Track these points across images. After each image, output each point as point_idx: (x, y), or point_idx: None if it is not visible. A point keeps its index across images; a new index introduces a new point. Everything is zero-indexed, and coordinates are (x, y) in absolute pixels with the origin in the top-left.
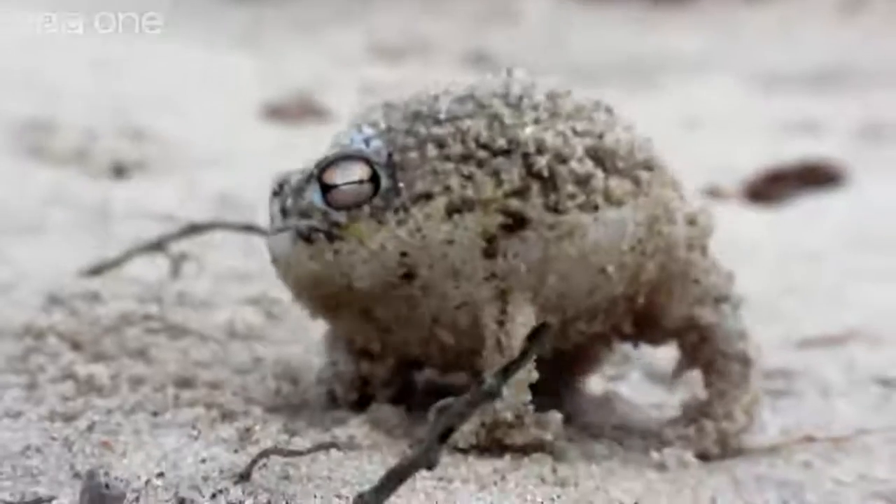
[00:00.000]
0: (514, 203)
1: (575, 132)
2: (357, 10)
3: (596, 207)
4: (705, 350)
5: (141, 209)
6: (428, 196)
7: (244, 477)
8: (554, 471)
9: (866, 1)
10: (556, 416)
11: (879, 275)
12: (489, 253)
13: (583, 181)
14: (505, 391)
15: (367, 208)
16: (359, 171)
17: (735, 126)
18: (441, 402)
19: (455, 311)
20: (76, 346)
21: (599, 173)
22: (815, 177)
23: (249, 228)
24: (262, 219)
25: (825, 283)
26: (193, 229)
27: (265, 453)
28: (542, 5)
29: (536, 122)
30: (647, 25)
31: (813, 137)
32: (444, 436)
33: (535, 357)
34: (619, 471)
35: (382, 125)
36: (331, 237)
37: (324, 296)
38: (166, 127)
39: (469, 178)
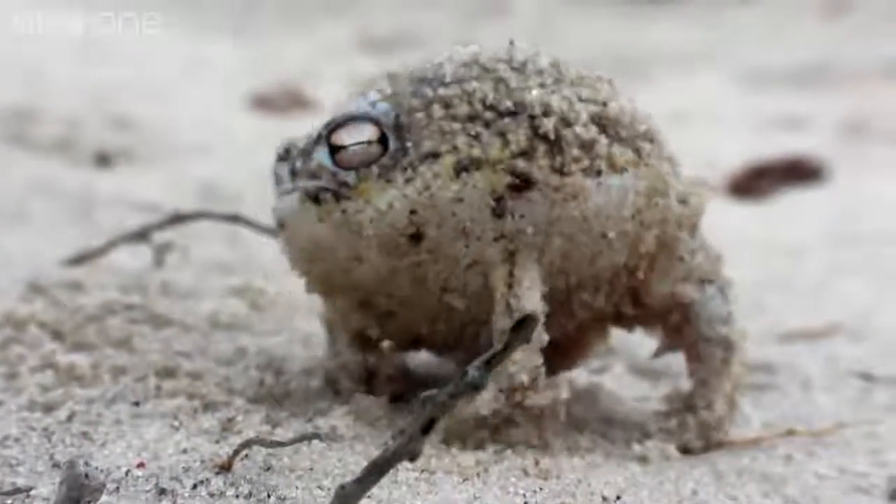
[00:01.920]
0: (521, 164)
1: (580, 98)
2: (347, 2)
3: (599, 172)
4: (688, 332)
5: (125, 198)
6: (435, 155)
7: (226, 468)
8: (536, 463)
9: (850, 0)
10: (565, 377)
11: (860, 269)
12: (497, 213)
13: (587, 146)
14: (520, 355)
15: (375, 168)
16: (367, 132)
17: (720, 121)
18: (424, 393)
19: (465, 273)
20: (57, 335)
21: (603, 139)
22: (798, 172)
23: (234, 218)
24: (248, 209)
25: (807, 278)
26: (178, 219)
27: (247, 444)
28: None
29: (542, 86)
30: (635, 21)
31: (796, 133)
32: (427, 427)
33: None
34: (601, 463)
35: (388, 90)
36: (338, 197)
37: (326, 271)
38: (151, 116)
39: (476, 137)
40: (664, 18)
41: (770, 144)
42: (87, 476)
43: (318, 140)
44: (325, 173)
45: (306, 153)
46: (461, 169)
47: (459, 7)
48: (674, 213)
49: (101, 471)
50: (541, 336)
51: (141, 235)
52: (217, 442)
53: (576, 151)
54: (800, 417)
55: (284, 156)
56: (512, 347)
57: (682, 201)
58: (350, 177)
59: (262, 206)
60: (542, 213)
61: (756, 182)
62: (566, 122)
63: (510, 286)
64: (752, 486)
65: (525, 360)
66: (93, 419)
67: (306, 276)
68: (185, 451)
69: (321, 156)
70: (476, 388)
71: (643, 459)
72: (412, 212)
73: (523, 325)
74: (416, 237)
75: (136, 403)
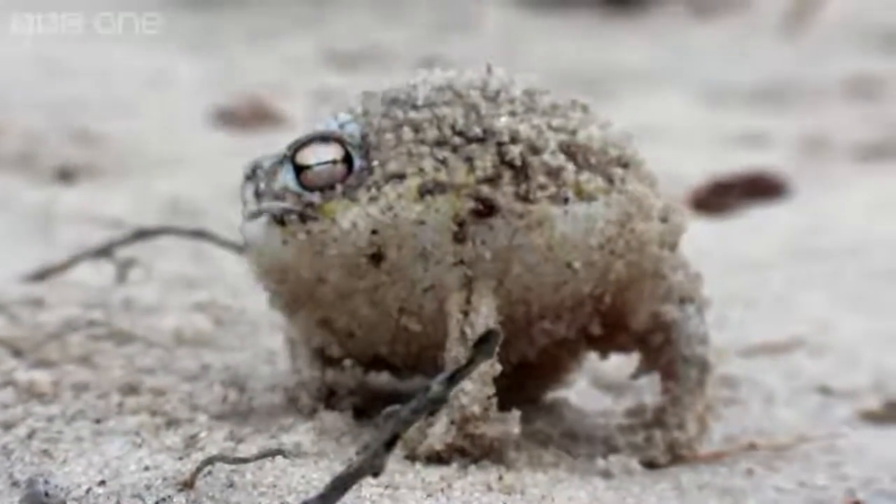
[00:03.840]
0: (485, 189)
1: (550, 127)
2: (312, 17)
3: (566, 200)
4: (667, 352)
5: (88, 214)
6: (401, 176)
7: (188, 485)
8: (500, 478)
9: (811, 18)
10: (515, 414)
11: (821, 284)
12: (458, 238)
13: (554, 173)
14: (471, 385)
15: (340, 187)
16: (332, 152)
17: (682, 138)
18: (387, 409)
19: (422, 296)
20: (17, 352)
21: (571, 167)
22: (760, 188)
23: (199, 234)
24: (213, 224)
25: (769, 293)
26: (142, 235)
27: (210, 461)
28: (498, 14)
29: (512, 114)
30: (600, 37)
31: (758, 150)
32: (391, 442)
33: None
34: (565, 478)
35: (359, 110)
36: (304, 218)
37: (290, 290)
38: (115, 131)
39: (443, 162)
40: (628, 36)
41: (732, 161)
42: (47, 494)
43: (282, 160)
44: (290, 195)
45: (270, 174)
46: (426, 192)
47: (425, 23)
48: (655, 232)
49: (62, 489)
50: (494, 366)
51: (104, 251)
52: (180, 459)
53: (542, 178)
54: (762, 431)
55: (251, 175)
56: (475, 363)
57: (664, 219)
58: (315, 197)
59: (227, 221)
60: (503, 239)
61: (718, 198)
62: (534, 150)
63: (465, 313)
64: (714, 501)
65: (477, 391)
66: (53, 437)
67: (270, 294)
68: (147, 469)
69: (286, 177)
70: (439, 402)
71: (606, 474)
72: (374, 231)
73: (486, 340)
74: (377, 258)
75: (98, 420)
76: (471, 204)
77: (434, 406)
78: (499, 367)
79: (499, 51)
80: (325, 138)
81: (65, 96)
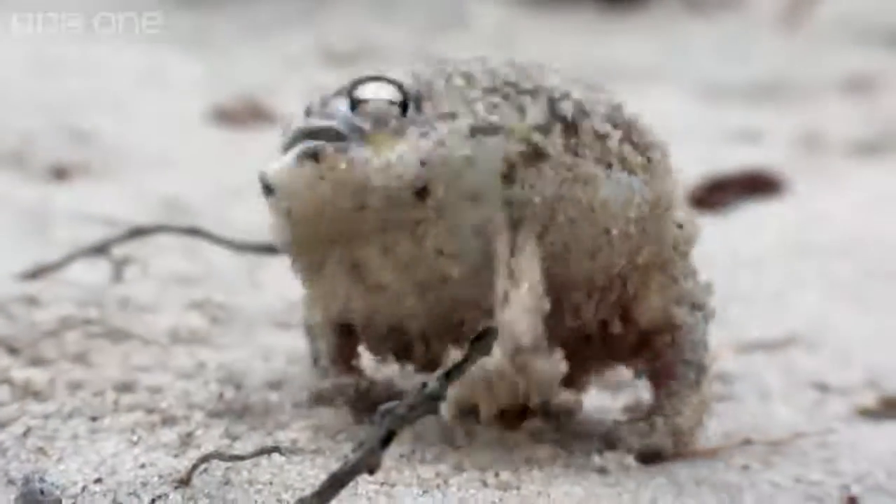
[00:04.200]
0: (537, 136)
1: (596, 100)
2: (308, 14)
3: (610, 165)
4: (670, 354)
5: (83, 212)
6: (453, 115)
7: (184, 482)
8: (496, 475)
9: (807, 15)
10: (558, 355)
11: (817, 281)
12: (508, 179)
13: (601, 137)
14: (522, 317)
15: (392, 121)
16: (390, 92)
17: (678, 135)
18: (384, 406)
19: (465, 237)
20: (12, 350)
21: (617, 135)
22: (756, 185)
23: (194, 232)
24: (208, 222)
25: (766, 289)
26: (137, 233)
27: (206, 458)
28: (493, 12)
29: (560, 78)
30: (596, 34)
31: (753, 147)
32: (387, 439)
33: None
34: (560, 474)
35: (410, 70)
36: (345, 150)
37: (323, 231)
38: (110, 129)
39: (495, 106)
40: (624, 33)
41: (728, 157)
42: (42, 492)
43: (339, 92)
44: (341, 117)
45: (324, 103)
46: (478, 131)
47: (419, 19)
48: (672, 232)
49: (58, 487)
50: (543, 303)
51: (99, 250)
52: (176, 456)
53: (590, 139)
54: (757, 427)
55: (307, 112)
56: (472, 359)
57: (679, 226)
58: (367, 124)
59: (223, 218)
60: (551, 187)
61: (715, 195)
62: (583, 112)
63: (512, 252)
64: (710, 496)
65: (529, 324)
66: (49, 434)
67: (296, 249)
68: (143, 466)
69: (340, 105)
70: (435, 398)
71: (602, 470)
72: (422, 163)
73: (484, 337)
74: (423, 193)
75: (94, 418)
76: (522, 147)
77: (430, 401)
78: (547, 305)
79: (493, 48)
80: (384, 79)
81: (59, 95)
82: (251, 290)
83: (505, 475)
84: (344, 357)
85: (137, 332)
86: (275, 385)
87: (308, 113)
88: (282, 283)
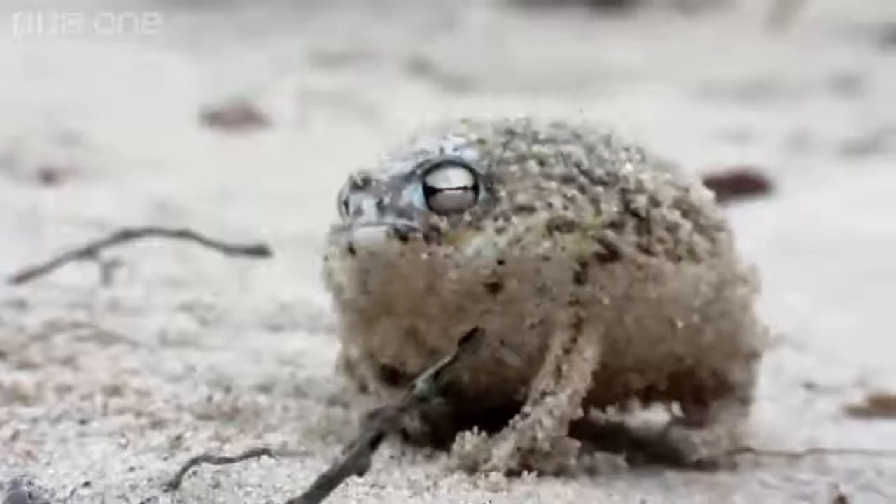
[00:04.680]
0: (611, 234)
1: (665, 181)
2: (299, 16)
3: (679, 258)
4: (716, 393)
5: (72, 215)
6: (530, 209)
7: (174, 485)
8: (486, 476)
9: (795, 16)
10: (574, 445)
11: (806, 280)
12: (579, 278)
13: (672, 229)
14: (547, 420)
15: (467, 215)
16: (463, 178)
17: (669, 135)
18: (372, 409)
19: (528, 330)
20: (0, 354)
21: (687, 225)
22: (745, 185)
23: (184, 235)
24: (198, 225)
25: None
26: (126, 235)
27: (195, 461)
28: (484, 14)
29: (630, 161)
30: (586, 35)
31: (743, 146)
32: (376, 441)
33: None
34: (550, 476)
35: (473, 136)
36: (428, 239)
37: (390, 295)
38: (100, 131)
39: (571, 199)
40: (615, 34)
41: (717, 157)
42: (31, 496)
43: (409, 178)
44: (418, 214)
45: (395, 189)
46: (554, 228)
47: (411, 22)
48: (741, 297)
49: (46, 490)
50: (577, 411)
51: (88, 252)
52: (165, 459)
53: (662, 233)
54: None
55: (362, 185)
56: (460, 359)
57: (744, 281)
58: (443, 222)
59: (214, 220)
60: (621, 287)
61: None
62: (655, 202)
63: (567, 351)
64: (700, 496)
65: (552, 429)
66: (37, 438)
67: (354, 297)
68: (132, 469)
69: (414, 196)
70: (424, 400)
71: (592, 471)
72: (500, 262)
73: (471, 338)
74: (495, 287)
75: (83, 422)
76: (596, 247)
77: (419, 404)
78: (580, 412)
79: (485, 50)
80: (455, 163)
81: (49, 97)
82: (241, 293)
83: (494, 476)
84: (385, 379)
85: (126, 334)
86: (264, 388)
87: (363, 188)
88: (271, 286)
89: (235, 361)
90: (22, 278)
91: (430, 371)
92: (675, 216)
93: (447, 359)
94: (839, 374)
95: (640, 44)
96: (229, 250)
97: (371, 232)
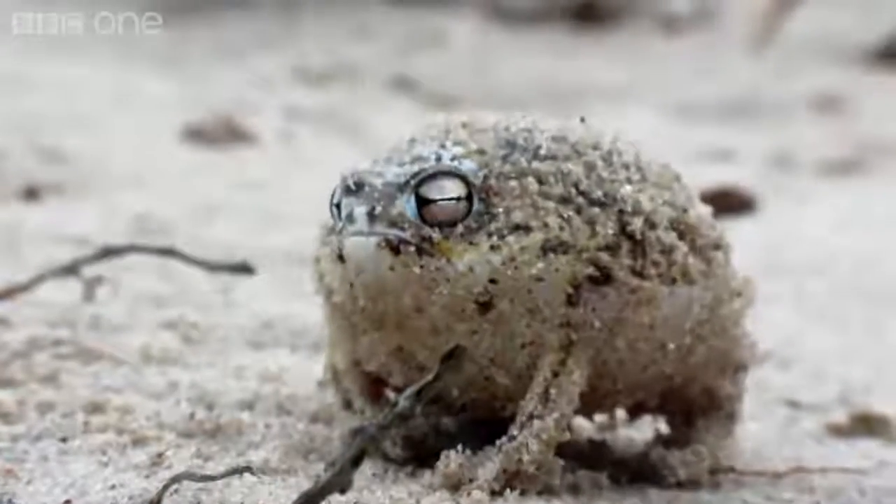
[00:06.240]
0: (605, 257)
1: (663, 201)
2: (283, 33)
3: (674, 281)
4: (708, 408)
5: (54, 232)
6: (526, 229)
7: (155, 503)
8: (468, 494)
9: (777, 35)
10: (557, 465)
11: (788, 299)
12: (571, 300)
13: (667, 251)
14: (534, 444)
15: (460, 227)
16: (457, 189)
17: (651, 153)
18: (354, 425)
19: (518, 350)
20: None
21: (682, 247)
22: (728, 203)
23: (167, 252)
24: (181, 242)
25: None
26: (109, 252)
27: (177, 478)
28: (467, 30)
29: (629, 181)
30: (569, 53)
31: (725, 165)
32: (358, 458)
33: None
34: (533, 494)
35: (472, 146)
36: (420, 251)
37: (378, 311)
38: (82, 148)
39: (567, 220)
40: (597, 52)
41: (699, 176)
42: None
43: (403, 188)
44: (410, 225)
45: (388, 198)
46: (549, 249)
47: (394, 39)
48: (735, 312)
49: None
50: (564, 433)
51: (70, 269)
52: (147, 477)
53: (656, 256)
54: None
55: (355, 190)
56: (442, 378)
57: (738, 294)
58: (434, 233)
59: (196, 238)
60: (613, 310)
61: None
62: (651, 224)
63: (556, 374)
64: None
65: (538, 453)
66: (18, 456)
67: (348, 310)
68: (113, 487)
69: (406, 206)
70: (405, 418)
71: (575, 489)
72: (492, 280)
73: (453, 355)
74: (486, 305)
75: (64, 440)
76: (589, 269)
77: (400, 421)
78: (567, 436)
79: (468, 66)
80: (449, 174)
81: (30, 112)
82: (224, 310)
83: (477, 494)
84: (370, 394)
85: (108, 352)
86: (247, 405)
87: (355, 193)
88: (255, 303)
89: (218, 378)
90: (3, 295)
91: (413, 388)
92: (670, 238)
93: (429, 377)
94: (822, 392)
95: (623, 62)
96: (213, 268)
97: (362, 242)
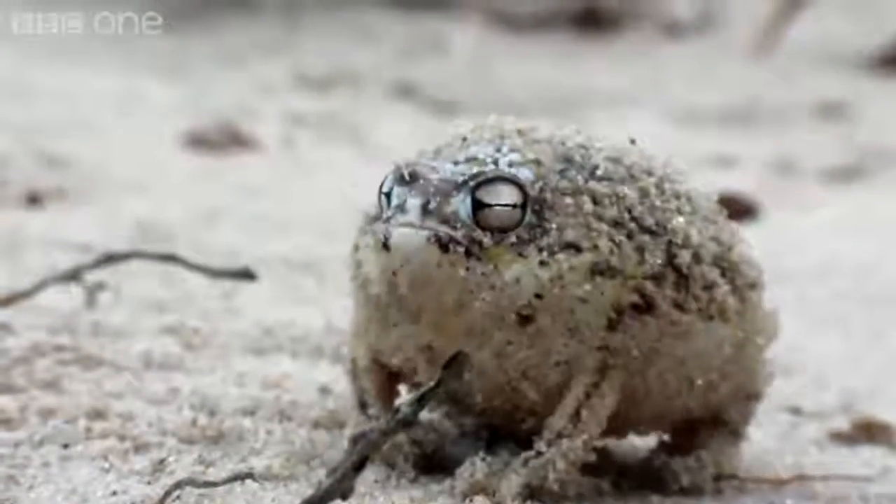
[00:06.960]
0: (650, 286)
1: (710, 237)
2: (283, 39)
3: (711, 318)
4: (713, 427)
5: (56, 238)
6: (577, 248)
7: None
8: (470, 500)
9: (779, 41)
10: (580, 480)
11: (791, 305)
12: (612, 324)
13: (709, 287)
14: (561, 463)
15: (512, 236)
16: (513, 196)
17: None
18: (356, 432)
19: (551, 368)
20: None
21: (723, 285)
22: (730, 210)
23: (169, 258)
24: (183, 248)
25: None
26: (110, 259)
27: (179, 485)
28: (469, 37)
29: (680, 212)
30: (571, 59)
31: (727, 172)
32: (360, 465)
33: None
34: (536, 500)
35: (529, 155)
36: (468, 254)
37: (416, 304)
38: (84, 154)
39: (618, 245)
40: (597, 58)
41: (702, 183)
42: None
43: (460, 187)
44: (462, 226)
45: (443, 195)
46: (597, 272)
47: (395, 45)
48: (756, 349)
49: None
50: (590, 455)
51: (72, 276)
52: (148, 483)
53: (698, 291)
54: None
55: (409, 181)
56: (444, 384)
57: (763, 330)
58: (486, 238)
59: (198, 244)
60: (652, 340)
61: None
62: (697, 258)
63: (588, 396)
64: None
65: (564, 471)
66: (20, 462)
67: (386, 299)
68: (114, 494)
69: (461, 207)
70: (408, 425)
71: (577, 496)
72: (537, 295)
73: (455, 363)
74: (527, 319)
75: (65, 446)
76: (634, 296)
77: (402, 428)
78: (593, 456)
79: (470, 73)
80: (508, 180)
81: (32, 118)
82: (226, 316)
83: (479, 500)
84: (386, 396)
85: (110, 358)
86: (248, 411)
87: (409, 184)
88: (256, 309)
89: (220, 385)
90: (5, 302)
91: (415, 395)
92: (714, 275)
93: (431, 384)
94: (825, 399)
95: (625, 68)
96: (214, 274)
97: (411, 234)
